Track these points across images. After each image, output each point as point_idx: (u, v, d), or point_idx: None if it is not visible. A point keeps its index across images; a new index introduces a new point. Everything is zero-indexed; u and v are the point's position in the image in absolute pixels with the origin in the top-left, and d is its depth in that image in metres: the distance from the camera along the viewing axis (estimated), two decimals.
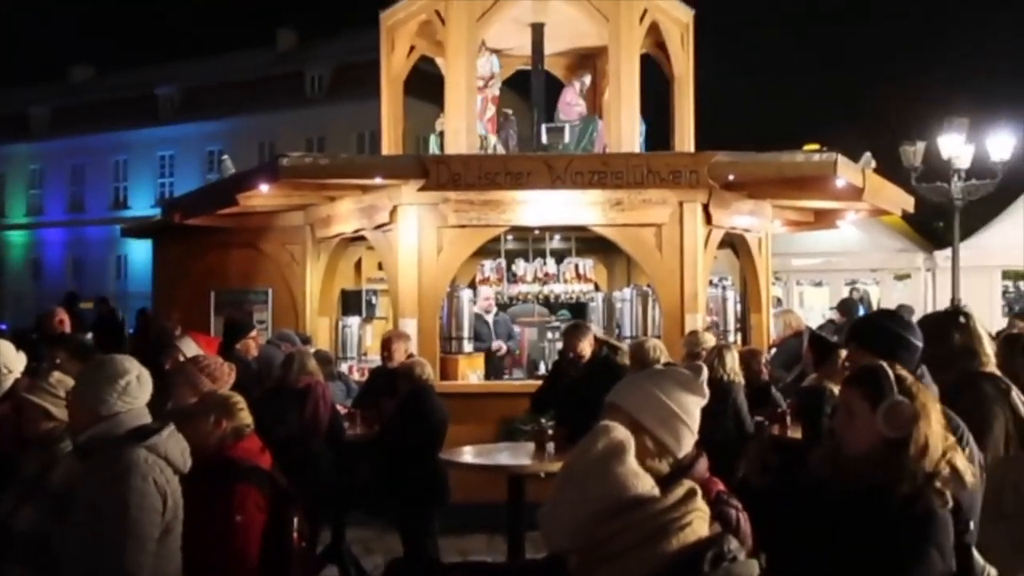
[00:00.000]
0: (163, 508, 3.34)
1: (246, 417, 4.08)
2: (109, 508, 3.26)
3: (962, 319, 4.15)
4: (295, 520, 4.05)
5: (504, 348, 11.24)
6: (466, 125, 10.65)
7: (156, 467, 3.35)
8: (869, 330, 4.04)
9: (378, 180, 9.86)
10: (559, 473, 2.04)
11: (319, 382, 7.15)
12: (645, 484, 1.92)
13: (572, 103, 11.60)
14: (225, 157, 12.06)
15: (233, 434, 4.01)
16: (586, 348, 7.55)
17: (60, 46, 64.59)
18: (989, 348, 4.14)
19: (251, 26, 65.66)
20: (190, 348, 6.08)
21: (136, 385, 3.50)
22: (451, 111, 10.78)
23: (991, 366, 4.10)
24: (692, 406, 2.88)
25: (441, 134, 11.30)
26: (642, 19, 10.99)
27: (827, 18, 54.47)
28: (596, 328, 11.93)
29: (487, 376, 10.58)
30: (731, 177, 9.76)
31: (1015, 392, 4.02)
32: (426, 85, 13.21)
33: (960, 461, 2.96)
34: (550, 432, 6.83)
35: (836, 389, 4.49)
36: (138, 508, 3.26)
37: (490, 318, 11.27)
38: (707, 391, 2.93)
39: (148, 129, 44.15)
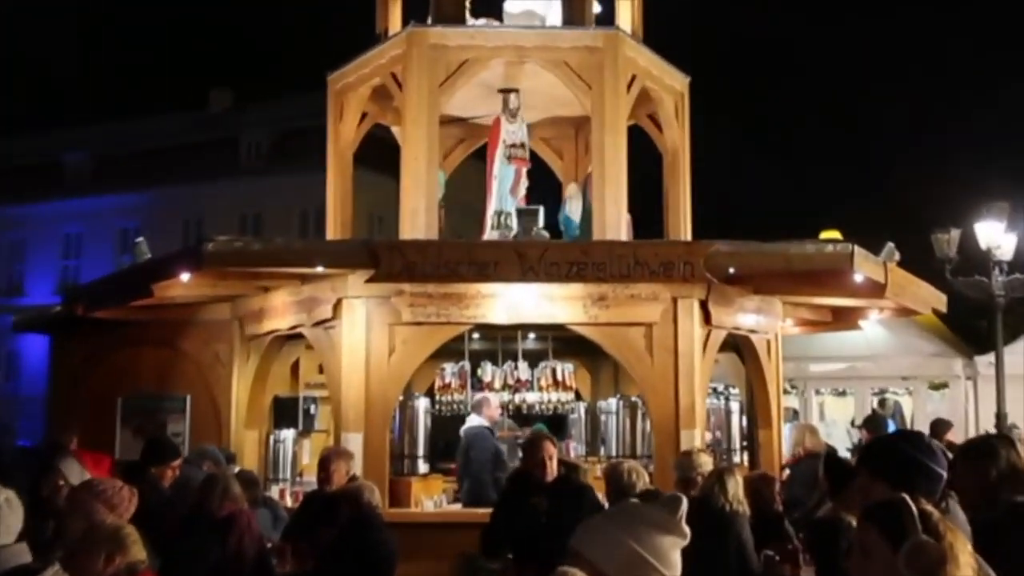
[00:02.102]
0: None
1: (140, 552, 4.07)
2: None
3: (1010, 440, 4.21)
4: None
5: None
6: (425, 205, 10.79)
7: None
8: (884, 455, 4.07)
9: (320, 269, 9.93)
10: None
11: (243, 510, 7.08)
12: None
13: None
14: (140, 239, 12.09)
15: (126, 571, 3.98)
16: (554, 456, 7.29)
17: None
18: None
19: (179, 85, 66.21)
20: (72, 470, 5.95)
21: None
22: (408, 188, 10.92)
23: None
24: (668, 549, 2.90)
25: None
26: (630, 86, 11.28)
27: (847, 90, 55.84)
28: (577, 444, 11.97)
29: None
30: (732, 270, 9.90)
31: None
32: (382, 154, 13.35)
33: None
34: None
35: (855, 522, 4.49)
36: None
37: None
38: (687, 529, 2.96)
39: (52, 203, 44.05)
